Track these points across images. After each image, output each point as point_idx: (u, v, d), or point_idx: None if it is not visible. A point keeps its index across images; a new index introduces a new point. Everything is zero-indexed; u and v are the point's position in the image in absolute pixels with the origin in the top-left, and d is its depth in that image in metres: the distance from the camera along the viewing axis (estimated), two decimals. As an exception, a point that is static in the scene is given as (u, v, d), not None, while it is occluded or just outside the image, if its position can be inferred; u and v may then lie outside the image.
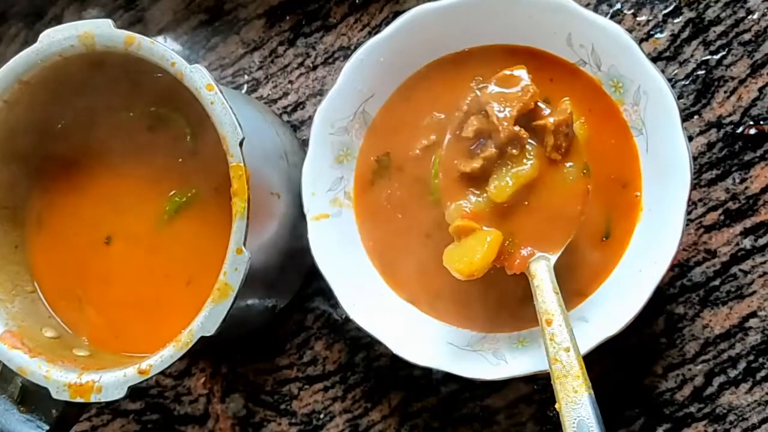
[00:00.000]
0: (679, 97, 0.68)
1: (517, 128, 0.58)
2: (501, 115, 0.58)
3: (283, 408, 0.74)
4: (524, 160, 0.59)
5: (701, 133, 0.68)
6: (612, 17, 0.69)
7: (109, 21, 0.58)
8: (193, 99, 0.57)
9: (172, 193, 0.64)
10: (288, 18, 0.76)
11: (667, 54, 0.69)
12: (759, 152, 0.66)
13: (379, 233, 0.68)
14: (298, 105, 0.76)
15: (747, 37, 0.67)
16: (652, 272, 0.60)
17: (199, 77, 0.56)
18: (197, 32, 0.79)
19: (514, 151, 0.59)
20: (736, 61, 0.67)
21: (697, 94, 0.68)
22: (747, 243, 0.66)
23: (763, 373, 0.65)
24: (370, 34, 0.74)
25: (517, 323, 0.65)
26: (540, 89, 0.60)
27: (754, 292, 0.66)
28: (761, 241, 0.66)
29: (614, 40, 0.62)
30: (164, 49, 0.57)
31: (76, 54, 0.59)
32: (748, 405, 0.66)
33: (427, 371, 0.62)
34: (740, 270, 0.66)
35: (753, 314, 0.66)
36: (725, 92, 0.67)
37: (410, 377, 0.71)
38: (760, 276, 0.66)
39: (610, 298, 0.63)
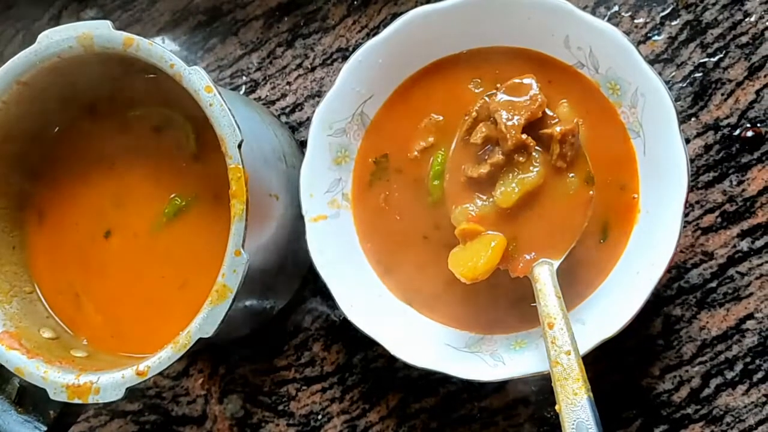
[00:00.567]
0: (677, 99, 0.68)
1: (524, 136, 0.60)
2: (509, 123, 0.60)
3: (281, 409, 0.74)
4: (530, 168, 0.60)
5: (698, 135, 0.68)
6: (610, 19, 0.70)
7: (108, 22, 0.58)
8: (195, 103, 0.57)
9: (172, 195, 0.64)
10: (286, 19, 0.76)
11: (665, 56, 0.69)
12: (756, 154, 0.67)
13: (377, 235, 0.68)
14: (297, 106, 0.76)
15: (744, 39, 0.67)
16: (649, 274, 0.60)
17: (197, 79, 0.56)
18: (195, 33, 0.79)
19: (521, 158, 0.60)
20: (734, 63, 0.68)
21: (694, 97, 0.68)
22: (744, 245, 0.66)
23: (759, 375, 0.65)
24: (369, 36, 0.74)
25: (514, 325, 0.65)
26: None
27: (751, 294, 0.66)
28: (758, 243, 0.66)
29: (612, 42, 0.62)
30: (163, 51, 0.57)
31: (75, 55, 0.59)
32: (745, 406, 0.66)
33: (425, 372, 0.62)
34: (737, 272, 0.66)
35: (750, 316, 0.66)
36: (722, 95, 0.68)
37: (408, 378, 0.71)
38: (756, 278, 0.66)
39: (607, 299, 0.63)
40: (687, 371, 0.67)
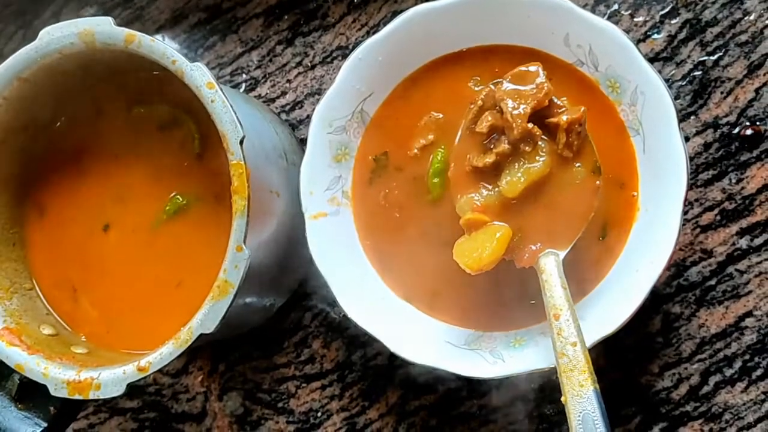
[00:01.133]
0: (676, 97, 0.68)
1: (530, 125, 0.59)
2: (515, 111, 0.59)
3: (281, 406, 0.74)
4: (536, 157, 0.60)
5: (698, 133, 0.68)
6: (609, 18, 0.70)
7: (109, 18, 0.58)
8: (199, 100, 0.57)
9: (173, 194, 0.64)
10: (286, 17, 0.76)
11: (664, 54, 0.69)
12: (755, 153, 0.67)
13: (377, 232, 0.68)
14: (297, 104, 0.76)
15: (744, 38, 0.68)
16: (648, 272, 0.60)
17: (199, 75, 0.56)
18: (195, 31, 0.79)
19: (526, 147, 0.59)
20: (733, 62, 0.68)
21: (693, 95, 0.68)
22: (743, 243, 0.67)
23: (758, 372, 0.66)
24: (369, 34, 0.74)
25: (514, 322, 0.65)
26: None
27: (750, 291, 0.66)
28: (757, 241, 0.66)
29: (611, 40, 0.62)
30: (164, 47, 0.57)
31: (76, 51, 0.59)
32: (744, 404, 0.66)
33: (425, 370, 0.62)
34: (736, 270, 0.67)
35: (749, 314, 0.66)
36: (722, 93, 0.68)
37: (408, 376, 0.71)
38: (756, 276, 0.66)
39: (606, 297, 0.63)
40: (686, 369, 0.67)
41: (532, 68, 0.60)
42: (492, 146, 0.61)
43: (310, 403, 0.73)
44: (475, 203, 0.61)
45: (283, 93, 0.76)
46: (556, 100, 0.60)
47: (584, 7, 0.66)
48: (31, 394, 0.62)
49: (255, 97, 0.76)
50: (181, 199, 0.64)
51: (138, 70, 0.63)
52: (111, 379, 0.57)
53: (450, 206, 0.65)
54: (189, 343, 0.56)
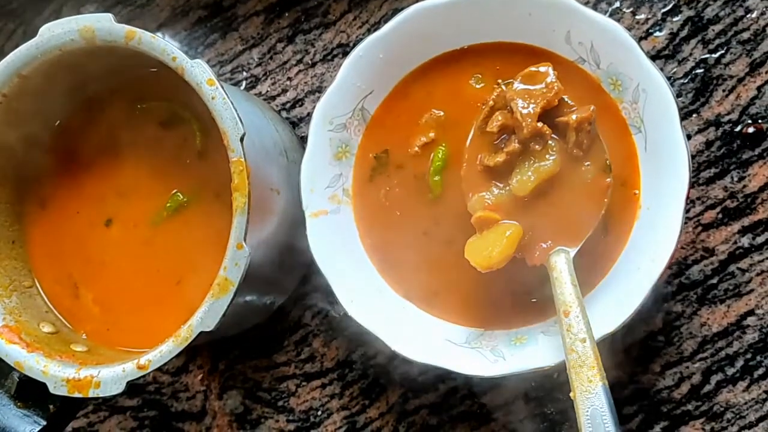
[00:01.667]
0: (678, 95, 0.68)
1: (539, 124, 0.59)
2: (525, 111, 0.59)
3: (281, 405, 0.74)
4: (546, 156, 0.60)
5: (700, 131, 0.68)
6: (611, 15, 0.70)
7: (110, 15, 0.58)
8: (200, 98, 0.57)
9: (174, 191, 0.64)
10: (287, 15, 0.76)
11: (666, 52, 0.69)
12: (757, 151, 0.67)
13: (378, 230, 0.68)
14: (297, 102, 0.75)
15: (746, 35, 0.68)
16: (650, 270, 0.60)
17: (200, 72, 0.56)
18: (196, 28, 0.79)
19: (537, 146, 0.60)
20: (735, 59, 0.68)
21: (695, 93, 0.68)
22: (745, 241, 0.66)
23: (760, 371, 0.66)
24: (369, 31, 0.74)
25: (514, 321, 0.65)
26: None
27: (752, 290, 0.66)
28: (759, 240, 0.66)
29: (613, 38, 0.62)
30: (165, 44, 0.57)
31: (77, 48, 0.59)
32: (746, 403, 0.66)
33: (425, 368, 0.62)
34: (738, 268, 0.66)
35: (751, 312, 0.66)
36: (724, 91, 0.68)
37: (408, 374, 0.71)
38: (758, 274, 0.66)
39: (607, 295, 0.63)
40: (687, 367, 0.67)
41: (543, 68, 0.61)
42: (503, 146, 0.61)
43: (310, 401, 0.73)
44: (487, 202, 0.61)
45: (284, 90, 0.76)
46: (567, 100, 0.61)
47: (586, 4, 0.66)
48: (30, 392, 0.62)
49: (256, 94, 0.76)
50: (181, 196, 0.64)
51: (139, 68, 0.62)
52: (110, 377, 0.57)
53: (451, 204, 0.65)
54: (189, 341, 0.56)
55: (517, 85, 0.61)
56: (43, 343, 0.61)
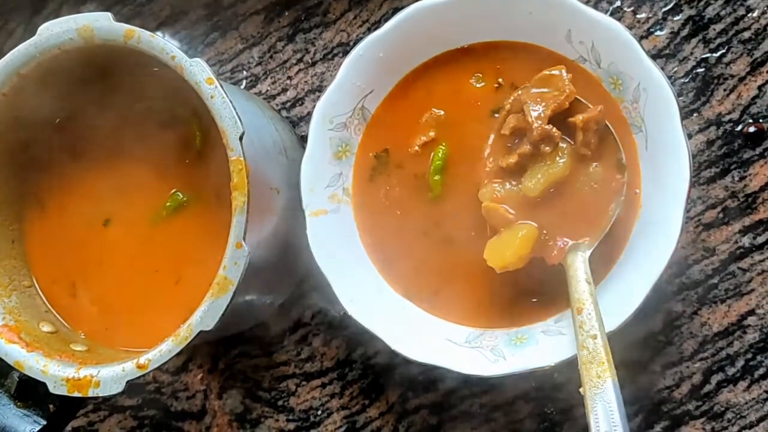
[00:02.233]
0: (679, 94, 0.68)
1: (549, 127, 0.60)
2: (535, 114, 0.61)
3: (281, 404, 0.74)
4: (556, 159, 0.61)
5: (701, 130, 0.68)
6: (612, 14, 0.69)
7: (109, 14, 0.58)
8: (199, 98, 0.57)
9: (173, 190, 0.64)
10: (287, 14, 0.76)
11: (667, 51, 0.69)
12: (758, 150, 0.67)
13: (377, 230, 0.68)
14: (297, 101, 0.75)
15: (747, 35, 0.67)
16: (650, 270, 0.60)
17: (199, 71, 0.56)
18: (196, 27, 0.78)
19: (547, 148, 0.61)
20: (736, 59, 0.68)
21: (696, 92, 0.68)
22: (746, 241, 0.66)
23: (761, 371, 0.65)
24: (370, 30, 0.73)
25: (515, 320, 0.65)
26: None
27: (753, 290, 0.66)
28: (760, 239, 0.66)
29: (614, 37, 0.62)
30: (164, 43, 0.57)
31: (75, 47, 0.59)
32: (746, 403, 0.66)
33: (425, 368, 0.62)
34: (739, 268, 0.66)
35: (751, 312, 0.66)
36: (725, 90, 0.68)
37: (408, 374, 0.71)
38: (758, 274, 0.66)
39: (608, 295, 0.62)
40: (688, 367, 0.67)
41: (556, 72, 0.62)
42: (516, 148, 0.62)
43: (310, 401, 0.73)
44: (495, 194, 0.62)
45: (284, 90, 0.76)
46: (583, 101, 0.62)
47: (587, 3, 0.65)
48: (30, 392, 0.62)
49: (256, 93, 0.76)
50: (181, 195, 0.64)
51: (138, 67, 0.62)
52: (110, 376, 0.57)
53: (451, 204, 0.66)
54: (188, 340, 0.56)
55: (531, 89, 0.62)
56: (42, 342, 0.61)
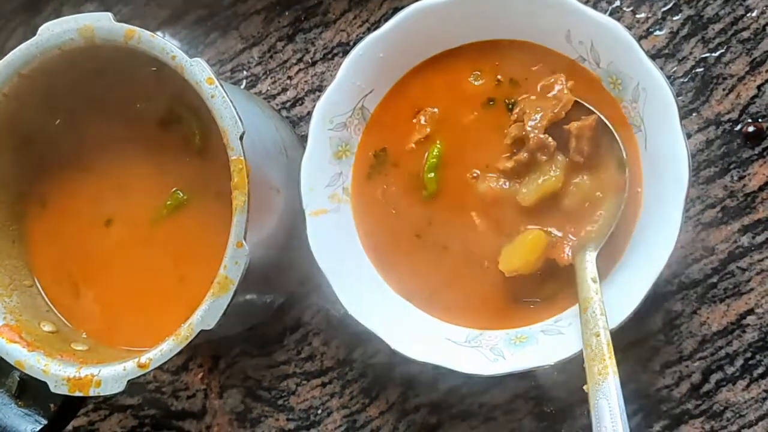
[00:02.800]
0: (678, 94, 0.68)
1: (544, 136, 0.62)
2: (532, 123, 0.62)
3: (281, 404, 0.74)
4: (550, 171, 0.63)
5: (700, 130, 0.68)
6: (611, 14, 0.70)
7: (109, 14, 0.58)
8: (199, 97, 0.57)
9: (174, 189, 0.64)
10: (287, 14, 0.76)
11: (666, 51, 0.69)
12: (757, 150, 0.67)
13: (375, 229, 0.68)
14: (297, 101, 0.75)
15: (746, 34, 0.68)
16: (649, 269, 0.60)
17: (199, 70, 0.56)
18: (196, 27, 0.78)
19: (543, 157, 0.62)
20: (735, 58, 0.68)
21: (695, 92, 0.68)
22: (745, 240, 0.66)
23: (760, 371, 0.66)
24: (369, 30, 0.73)
25: (514, 321, 0.65)
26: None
27: (752, 289, 0.66)
28: (759, 239, 0.66)
29: (613, 36, 0.62)
30: (164, 43, 0.57)
31: (76, 47, 0.59)
32: (745, 402, 0.66)
33: (425, 367, 0.62)
34: (738, 267, 0.66)
35: (750, 311, 0.66)
36: (724, 90, 0.68)
37: (408, 373, 0.71)
38: (757, 273, 0.66)
39: (608, 294, 0.62)
40: (687, 366, 0.67)
41: (554, 80, 0.63)
42: (514, 155, 0.64)
43: (311, 400, 0.73)
44: (490, 185, 0.64)
45: (284, 89, 0.76)
46: (584, 104, 0.63)
47: (586, 3, 0.65)
48: (31, 392, 0.62)
49: (256, 93, 0.76)
50: (182, 194, 0.64)
51: (139, 66, 0.62)
52: (111, 375, 0.57)
53: (445, 203, 0.66)
54: (189, 340, 0.56)
55: (532, 98, 0.63)
56: (43, 342, 0.61)
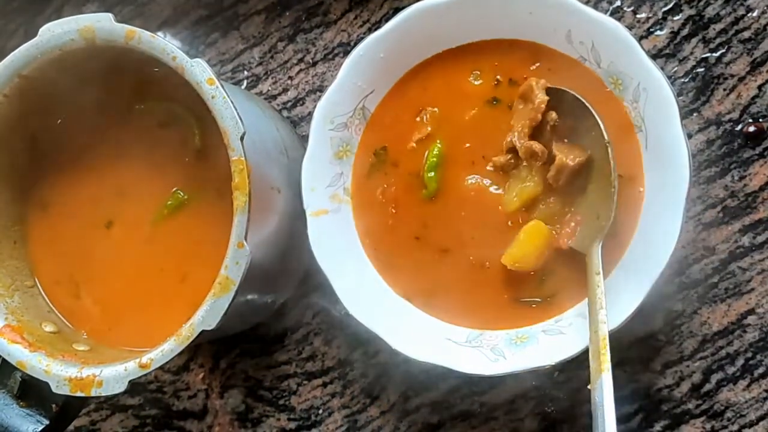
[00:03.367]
0: (679, 94, 0.68)
1: (530, 144, 0.63)
2: (514, 136, 0.64)
3: (282, 403, 0.74)
4: (528, 177, 0.64)
5: (700, 130, 0.68)
6: (612, 14, 0.69)
7: (110, 15, 0.58)
8: (199, 97, 0.57)
9: (174, 189, 0.64)
10: (288, 14, 0.76)
11: (667, 51, 0.69)
12: (758, 150, 0.67)
13: (375, 229, 0.68)
14: (298, 101, 0.75)
15: (746, 34, 0.67)
16: (650, 269, 0.60)
17: (200, 71, 0.56)
18: (197, 28, 0.78)
19: (537, 163, 0.63)
20: (736, 58, 0.68)
21: (696, 92, 0.68)
22: (745, 240, 0.66)
23: (760, 370, 0.66)
24: (370, 30, 0.73)
25: (514, 321, 0.65)
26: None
27: (753, 289, 0.66)
28: (760, 239, 0.66)
29: (614, 37, 0.62)
30: (165, 43, 0.57)
31: (77, 48, 0.59)
32: (746, 402, 0.66)
33: (426, 367, 0.62)
34: (738, 267, 0.66)
35: (751, 311, 0.66)
36: (724, 90, 0.68)
37: (409, 373, 0.71)
38: (758, 273, 0.66)
39: (608, 294, 0.62)
40: (688, 366, 0.67)
41: (530, 83, 0.64)
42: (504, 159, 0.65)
43: (312, 400, 0.73)
44: (480, 182, 0.65)
45: (285, 90, 0.76)
46: (586, 104, 0.62)
47: (587, 3, 0.65)
48: (33, 392, 0.62)
49: (256, 93, 0.76)
50: (182, 194, 0.64)
51: (139, 67, 0.62)
52: (113, 376, 0.57)
53: (445, 203, 0.65)
54: (190, 340, 0.56)
55: (517, 106, 0.64)
56: (45, 342, 0.61)
